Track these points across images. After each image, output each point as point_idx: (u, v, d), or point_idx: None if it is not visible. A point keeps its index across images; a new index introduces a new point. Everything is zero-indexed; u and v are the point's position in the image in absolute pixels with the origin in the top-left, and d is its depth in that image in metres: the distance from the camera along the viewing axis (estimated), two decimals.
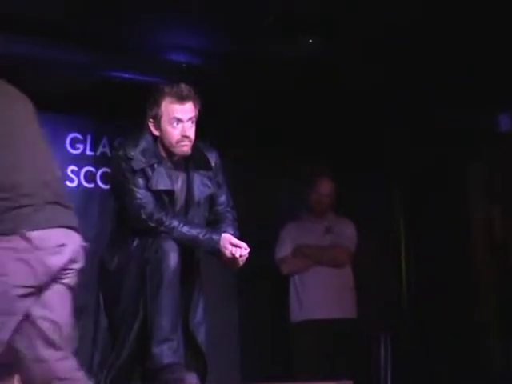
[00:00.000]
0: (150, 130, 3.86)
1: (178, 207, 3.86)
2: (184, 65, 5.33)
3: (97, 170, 5.99)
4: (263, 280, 5.97)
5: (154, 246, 3.71)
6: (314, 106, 5.80)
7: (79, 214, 5.76)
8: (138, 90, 4.81)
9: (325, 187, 5.77)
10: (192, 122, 3.83)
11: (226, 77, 5.40)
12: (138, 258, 3.74)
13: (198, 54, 5.31)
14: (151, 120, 3.85)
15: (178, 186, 3.87)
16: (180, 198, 3.87)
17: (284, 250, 5.74)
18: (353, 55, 5.21)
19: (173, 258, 3.68)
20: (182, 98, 3.79)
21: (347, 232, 5.75)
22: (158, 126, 3.83)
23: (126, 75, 5.39)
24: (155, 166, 3.80)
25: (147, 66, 5.35)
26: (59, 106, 5.67)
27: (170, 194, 3.83)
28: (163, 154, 3.85)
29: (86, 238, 5.69)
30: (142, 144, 3.82)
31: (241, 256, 3.78)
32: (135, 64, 5.34)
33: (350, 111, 5.85)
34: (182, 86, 3.82)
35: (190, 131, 3.82)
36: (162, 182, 3.81)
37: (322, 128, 6.10)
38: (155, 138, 3.86)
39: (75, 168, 5.92)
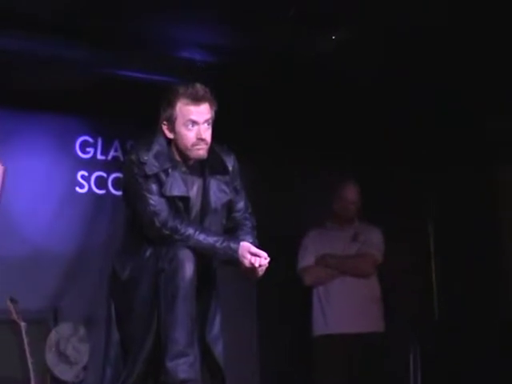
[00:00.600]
0: (163, 132, 3.86)
1: (193, 214, 3.86)
2: (199, 63, 5.34)
3: (108, 175, 6.03)
4: (284, 291, 5.96)
5: (168, 255, 3.71)
6: (335, 105, 5.81)
7: (89, 221, 5.95)
8: (151, 90, 4.84)
9: (350, 193, 5.77)
10: (208, 124, 3.83)
11: (243, 76, 5.42)
12: (151, 268, 3.75)
13: (214, 51, 5.31)
14: (165, 122, 3.85)
15: (194, 191, 3.87)
16: (196, 204, 3.87)
17: (307, 259, 5.74)
18: (376, 52, 5.21)
19: (188, 268, 3.69)
20: (197, 99, 3.79)
21: (374, 240, 5.75)
22: (173, 129, 3.83)
23: (139, 74, 5.40)
24: (169, 170, 3.81)
25: (161, 64, 5.35)
26: (68, 107, 5.70)
27: (185, 200, 3.83)
28: (178, 158, 3.86)
29: (96, 246, 5.80)
30: (156, 147, 3.82)
31: (260, 266, 3.77)
32: (148, 62, 5.35)
33: (373, 110, 5.85)
34: (198, 86, 3.82)
35: (206, 134, 3.82)
36: (176, 188, 3.81)
37: (346, 128, 6.11)
38: (169, 141, 3.85)
39: (85, 173, 5.96)
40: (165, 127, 3.85)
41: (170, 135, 3.85)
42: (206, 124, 3.82)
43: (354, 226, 5.81)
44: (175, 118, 3.81)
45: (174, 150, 3.86)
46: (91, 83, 5.43)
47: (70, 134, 5.95)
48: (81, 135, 5.98)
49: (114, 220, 5.75)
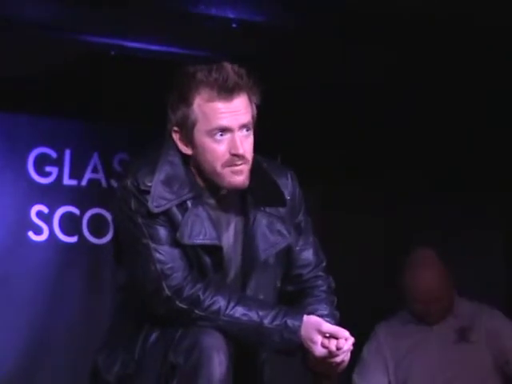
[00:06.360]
0: (175, 144, 4.07)
1: (230, 275, 4.10)
2: (234, 24, 5.56)
3: (82, 211, 6.37)
4: None
5: (184, 342, 3.93)
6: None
7: (52, 287, 6.12)
8: (156, 71, 5.14)
9: (428, 270, 5.98)
10: (247, 130, 4.02)
11: (306, 48, 5.63)
12: (157, 364, 3.99)
13: (259, 6, 5.53)
14: (176, 129, 4.05)
15: (230, 237, 4.11)
16: (233, 257, 4.09)
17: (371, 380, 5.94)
18: None
19: (218, 364, 3.88)
20: (228, 90, 3.96)
21: (503, 333, 5.91)
22: (190, 140, 4.02)
23: (136, 45, 5.67)
24: (188, 203, 4.01)
25: (172, 28, 5.57)
26: (15, 100, 6.04)
27: (215, 251, 4.03)
28: (201, 183, 4.08)
29: (63, 329, 5.96)
30: (165, 168, 4.03)
31: (340, 351, 3.97)
32: (151, 26, 5.56)
33: None
34: (228, 67, 4.00)
35: (245, 145, 4.01)
36: (200, 232, 4.00)
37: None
38: (186, 157, 4.07)
39: (44, 209, 6.32)
40: (177, 137, 4.08)
41: (187, 150, 4.07)
42: (244, 130, 4.03)
43: (454, 314, 5.98)
44: (193, 123, 4.00)
45: (194, 171, 4.09)
46: (56, 59, 5.74)
47: (19, 143, 6.28)
48: (36, 146, 6.31)
49: (92, 286, 6.10)
